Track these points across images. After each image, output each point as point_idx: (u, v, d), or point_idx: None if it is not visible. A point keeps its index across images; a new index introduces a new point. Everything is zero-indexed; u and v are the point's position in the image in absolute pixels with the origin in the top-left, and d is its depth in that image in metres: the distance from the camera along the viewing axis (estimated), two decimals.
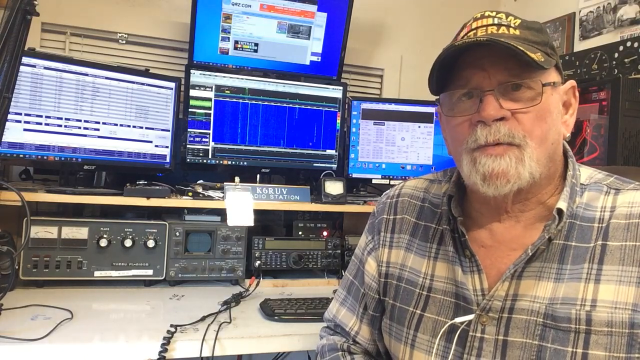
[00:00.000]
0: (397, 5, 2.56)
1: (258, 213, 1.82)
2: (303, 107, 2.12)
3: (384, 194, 1.07)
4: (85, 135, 1.75)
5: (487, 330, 0.79)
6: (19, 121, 1.63)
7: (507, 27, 0.79)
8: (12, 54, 1.10)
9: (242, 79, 2.04)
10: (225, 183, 1.87)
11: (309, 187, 2.00)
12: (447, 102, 0.84)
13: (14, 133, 1.62)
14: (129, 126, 1.83)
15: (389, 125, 2.20)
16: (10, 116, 1.52)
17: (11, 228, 1.57)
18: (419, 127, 2.21)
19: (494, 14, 0.82)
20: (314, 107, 2.13)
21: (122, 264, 1.66)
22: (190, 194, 1.81)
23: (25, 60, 1.59)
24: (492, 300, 0.79)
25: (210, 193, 1.85)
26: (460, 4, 2.59)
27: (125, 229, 1.66)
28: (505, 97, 0.77)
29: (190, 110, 1.97)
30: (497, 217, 0.85)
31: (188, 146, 1.97)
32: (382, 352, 1.01)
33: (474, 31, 0.81)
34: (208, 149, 2.00)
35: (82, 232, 1.61)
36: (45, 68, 1.67)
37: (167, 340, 1.20)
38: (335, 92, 2.16)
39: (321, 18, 2.18)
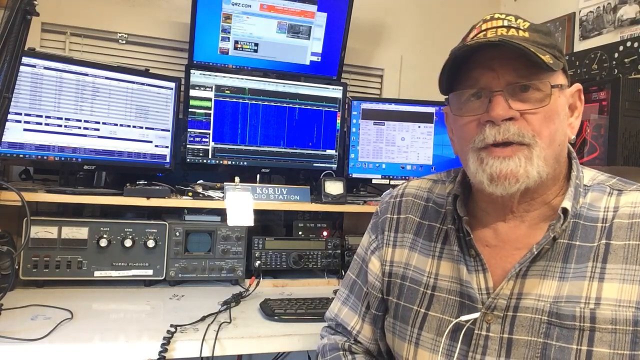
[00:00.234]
0: (397, 5, 2.56)
1: (258, 213, 1.82)
2: (303, 107, 2.12)
3: (385, 193, 1.07)
4: (85, 135, 1.75)
5: (492, 328, 0.80)
6: (19, 121, 1.63)
7: (516, 30, 0.80)
8: (12, 54, 1.10)
9: (242, 79, 2.04)
10: (225, 183, 1.87)
11: (309, 187, 2.00)
12: (456, 101, 0.85)
13: (14, 133, 1.62)
14: (129, 126, 1.83)
15: (389, 125, 2.20)
16: (10, 116, 1.52)
17: (11, 228, 1.57)
18: (419, 127, 2.21)
19: (503, 16, 0.84)
20: (314, 107, 2.13)
21: (122, 264, 1.66)
22: (190, 194, 1.81)
23: (25, 60, 1.59)
24: (497, 298, 0.80)
25: (210, 193, 1.85)
26: (460, 4, 2.59)
27: (125, 229, 1.66)
28: (514, 97, 0.79)
29: (190, 110, 1.97)
30: (502, 217, 0.86)
31: (188, 146, 1.97)
32: (384, 352, 1.01)
33: (484, 32, 0.82)
34: (208, 149, 2.00)
35: (82, 232, 1.61)
36: (45, 68, 1.67)
37: (167, 340, 1.20)
38: (335, 92, 2.16)
39: (321, 18, 2.18)
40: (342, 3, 2.18)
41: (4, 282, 1.32)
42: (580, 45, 2.23)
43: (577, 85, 0.86)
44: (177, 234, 1.73)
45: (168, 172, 1.96)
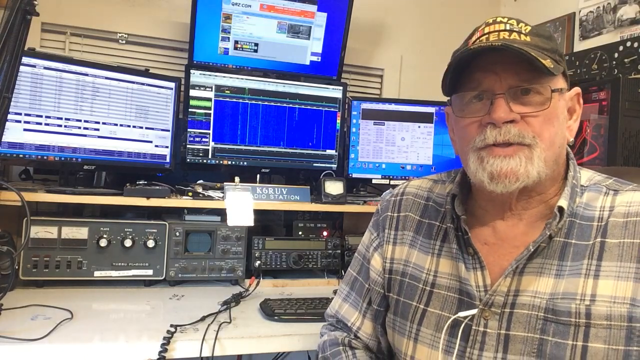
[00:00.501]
0: (397, 5, 2.56)
1: (258, 213, 1.82)
2: (303, 107, 2.12)
3: (386, 192, 1.09)
4: (85, 135, 1.75)
5: (490, 324, 0.81)
6: (19, 121, 1.63)
7: (518, 34, 0.82)
8: (12, 54, 1.10)
9: (242, 79, 2.04)
10: (225, 183, 1.87)
11: (309, 187, 2.00)
12: (458, 103, 0.87)
13: (14, 133, 1.62)
14: (129, 126, 1.83)
15: (389, 125, 2.20)
16: (10, 116, 1.52)
17: (11, 228, 1.57)
18: (419, 127, 2.21)
19: (505, 19, 0.85)
20: (314, 107, 2.13)
21: (122, 264, 1.66)
22: (190, 194, 1.81)
23: (25, 60, 1.59)
24: (495, 295, 0.81)
25: (210, 193, 1.85)
26: (460, 4, 2.59)
27: (125, 229, 1.66)
28: (515, 100, 0.81)
29: (190, 110, 1.97)
30: (500, 215, 0.88)
31: (188, 146, 1.97)
32: (384, 348, 1.03)
33: (486, 36, 0.84)
34: (208, 149, 2.00)
35: (82, 232, 1.61)
36: (45, 68, 1.67)
37: (167, 340, 1.20)
38: (335, 92, 2.16)
39: (321, 18, 2.18)
40: (342, 3, 2.18)
41: (4, 282, 1.32)
42: (580, 45, 2.23)
43: (576, 89, 0.88)
44: (177, 234, 1.73)
45: (168, 172, 1.96)
